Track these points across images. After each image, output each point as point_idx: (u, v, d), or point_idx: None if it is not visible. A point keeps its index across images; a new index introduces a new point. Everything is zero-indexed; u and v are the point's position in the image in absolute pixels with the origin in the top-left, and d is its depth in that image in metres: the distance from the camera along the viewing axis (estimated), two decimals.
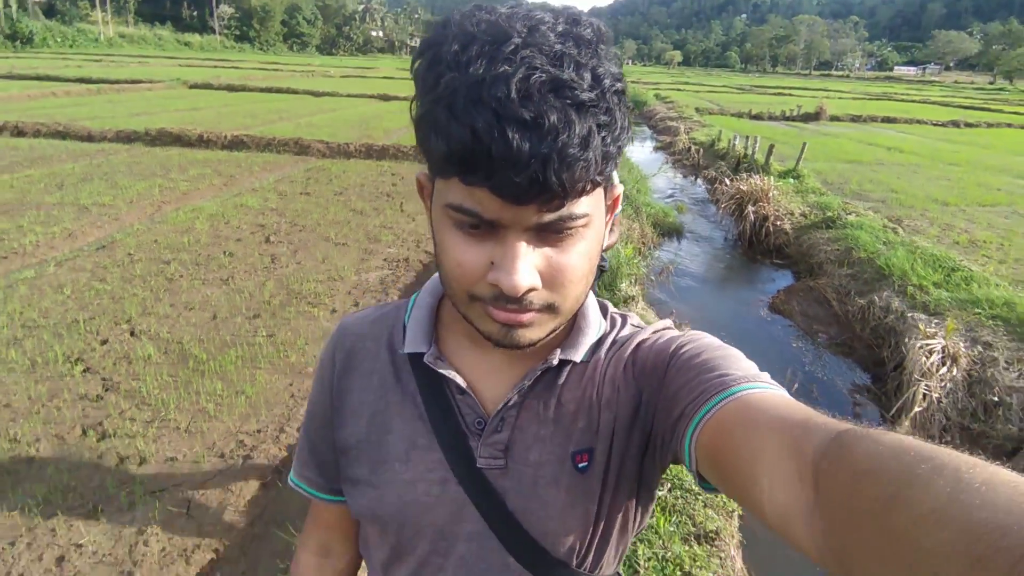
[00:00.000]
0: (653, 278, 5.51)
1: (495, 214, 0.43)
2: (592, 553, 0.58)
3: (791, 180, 8.28)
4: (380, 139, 10.87)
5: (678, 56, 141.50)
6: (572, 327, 0.58)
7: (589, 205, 0.46)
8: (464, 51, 0.42)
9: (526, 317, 0.47)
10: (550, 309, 0.48)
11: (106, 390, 3.03)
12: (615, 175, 0.55)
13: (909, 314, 3.80)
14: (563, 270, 0.47)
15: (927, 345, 3.38)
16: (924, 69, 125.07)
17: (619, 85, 0.44)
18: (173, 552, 2.14)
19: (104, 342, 3.49)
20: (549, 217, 0.44)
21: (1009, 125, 21.38)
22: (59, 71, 24.15)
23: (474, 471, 0.56)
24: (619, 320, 0.62)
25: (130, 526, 2.22)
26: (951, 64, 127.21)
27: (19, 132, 10.93)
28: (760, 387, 0.46)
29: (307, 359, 3.45)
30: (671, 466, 0.58)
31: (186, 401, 2.97)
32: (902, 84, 68.01)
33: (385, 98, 19.92)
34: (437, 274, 0.57)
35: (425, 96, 0.44)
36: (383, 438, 0.59)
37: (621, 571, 0.67)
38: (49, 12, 71.14)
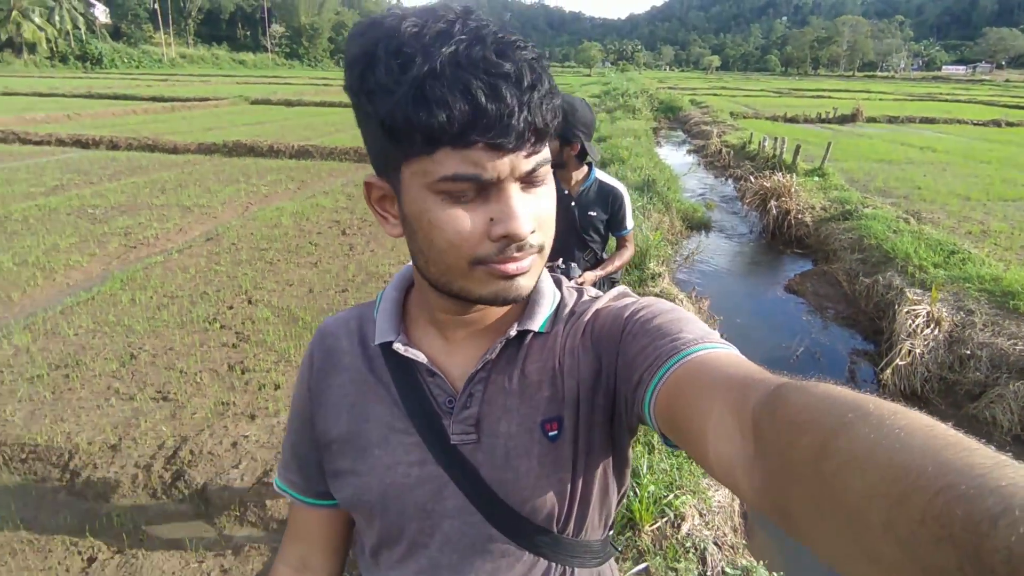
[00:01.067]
0: (679, 261, 6.17)
1: (492, 171, 0.47)
2: (573, 519, 0.60)
3: (816, 178, 8.76)
4: None
5: (716, 61, 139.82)
6: (527, 300, 0.60)
7: (546, 152, 0.51)
8: (420, 36, 0.45)
9: (527, 261, 0.51)
10: (540, 251, 0.52)
11: (240, 341, 3.91)
12: None
13: (906, 288, 4.36)
14: (544, 212, 0.51)
15: (913, 310, 3.96)
16: (975, 68, 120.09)
17: (545, 62, 0.49)
18: None
19: (230, 307, 4.40)
20: (530, 164, 0.48)
21: None
22: (133, 91, 26.23)
23: (449, 448, 0.58)
24: (575, 292, 0.65)
25: (278, 426, 3.05)
26: (1003, 63, 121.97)
27: (113, 146, 12.34)
28: (710, 347, 0.48)
29: None
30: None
31: (301, 349, 3.82)
32: (949, 84, 65.80)
33: None
34: (402, 269, 0.64)
35: (393, 87, 0.45)
36: (362, 427, 0.61)
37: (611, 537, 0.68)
38: (115, 34, 76.00)
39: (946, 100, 33.96)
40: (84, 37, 63.28)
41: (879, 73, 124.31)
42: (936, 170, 10.89)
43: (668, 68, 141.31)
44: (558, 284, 0.65)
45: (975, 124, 20.59)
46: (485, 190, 0.48)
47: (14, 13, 55.74)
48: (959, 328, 3.90)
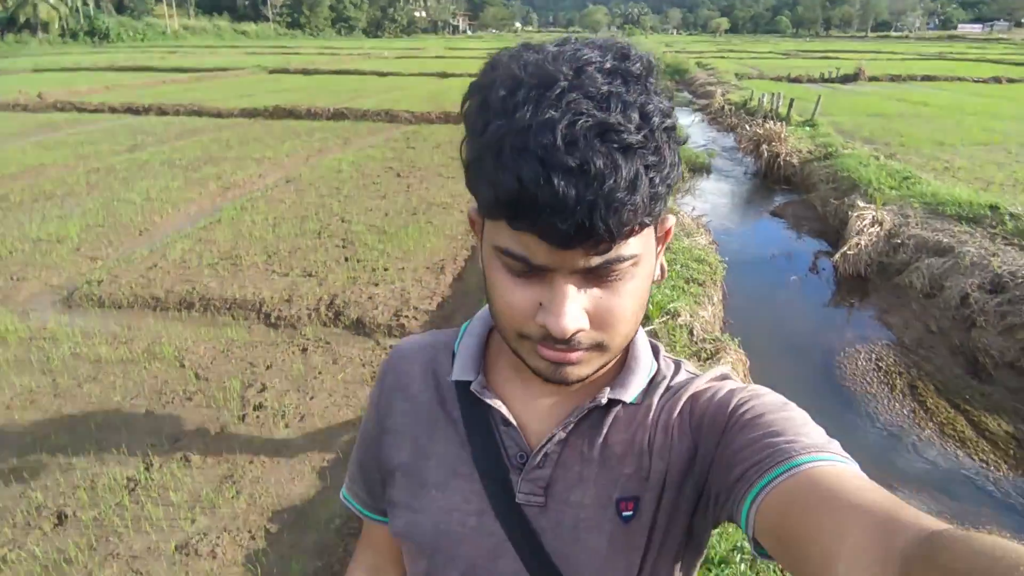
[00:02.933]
0: (682, 192, 7.33)
1: (543, 259, 0.44)
2: None
3: (807, 128, 9.79)
4: (452, 109, 12.85)
5: (725, 23, 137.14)
6: (622, 366, 0.57)
7: (638, 245, 0.46)
8: (511, 96, 0.42)
9: (575, 356, 0.48)
10: (599, 348, 0.49)
11: (346, 244, 5.13)
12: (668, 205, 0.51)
13: (859, 200, 5.51)
14: (611, 311, 0.47)
15: (862, 214, 5.12)
16: (992, 26, 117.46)
17: (668, 121, 0.43)
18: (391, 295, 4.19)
19: (328, 224, 5.62)
20: (597, 261, 0.44)
21: None
22: (154, 63, 27.15)
23: (512, 506, 0.55)
24: (672, 365, 0.60)
25: (396, 288, 4.26)
26: (1022, 19, 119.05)
27: (162, 112, 13.44)
28: (830, 459, 0.44)
29: (452, 236, 5.45)
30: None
31: (395, 249, 5.03)
32: (963, 43, 64.96)
33: (444, 75, 21.84)
34: (487, 305, 0.57)
35: (474, 141, 0.45)
36: (423, 463, 0.59)
37: None
38: (119, 8, 76.07)
39: (955, 59, 34.09)
40: (92, 13, 63.62)
41: (893, 33, 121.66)
42: (922, 121, 11.85)
43: (675, 31, 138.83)
44: (655, 352, 0.60)
45: (975, 81, 21.18)
46: (541, 270, 0.45)
47: None
48: (896, 226, 5.07)
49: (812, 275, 5.32)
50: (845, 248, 4.94)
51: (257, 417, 2.90)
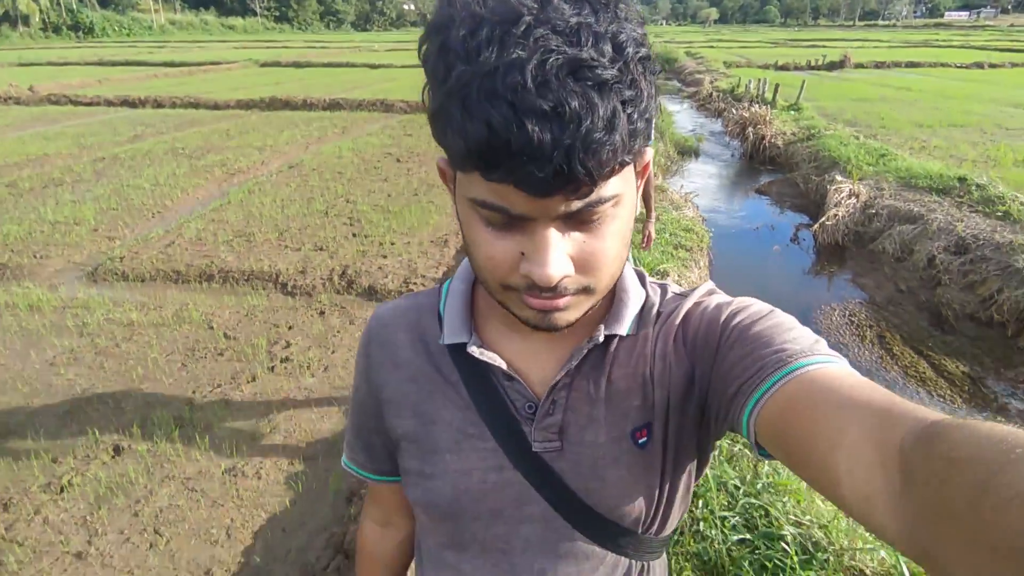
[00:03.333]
0: (673, 171, 7.62)
1: (522, 208, 0.42)
2: (658, 519, 0.59)
3: (791, 112, 10.10)
4: None
5: (714, 13, 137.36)
6: (613, 300, 0.57)
7: (618, 185, 0.44)
8: (472, 36, 0.39)
9: (562, 302, 0.47)
10: (586, 291, 0.48)
11: (352, 222, 5.39)
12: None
13: (837, 175, 5.83)
14: (595, 254, 0.46)
15: (840, 187, 5.43)
16: (979, 13, 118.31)
17: (643, 51, 0.41)
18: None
19: (334, 205, 5.87)
20: (577, 205, 0.42)
21: None
22: (143, 57, 27.10)
23: (530, 455, 0.56)
24: (658, 289, 0.60)
25: (405, 259, 4.53)
26: (1009, 6, 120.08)
27: (158, 104, 13.58)
28: (823, 360, 0.45)
29: (454, 214, 5.73)
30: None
31: (400, 225, 5.30)
32: (949, 31, 65.64)
33: None
34: (467, 259, 0.57)
35: (437, 88, 0.41)
36: (430, 429, 0.59)
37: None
38: (103, 3, 75.32)
39: (940, 47, 34.58)
40: (75, 7, 62.92)
41: (880, 21, 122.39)
42: (904, 105, 12.20)
43: (664, 22, 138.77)
44: (642, 279, 0.61)
45: (958, 67, 21.64)
46: (520, 219, 0.43)
47: None
48: (872, 198, 5.39)
49: (793, 244, 5.65)
50: (824, 219, 5.26)
51: (285, 368, 3.17)
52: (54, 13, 59.76)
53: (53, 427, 2.70)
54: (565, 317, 0.48)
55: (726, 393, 0.49)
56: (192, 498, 2.31)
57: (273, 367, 3.17)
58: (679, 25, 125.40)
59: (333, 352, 3.33)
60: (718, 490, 1.91)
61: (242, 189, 6.43)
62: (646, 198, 2.58)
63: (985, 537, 0.27)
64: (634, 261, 3.21)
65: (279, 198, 6.08)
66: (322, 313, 3.79)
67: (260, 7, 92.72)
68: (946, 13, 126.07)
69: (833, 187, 5.49)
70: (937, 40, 41.40)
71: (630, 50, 0.40)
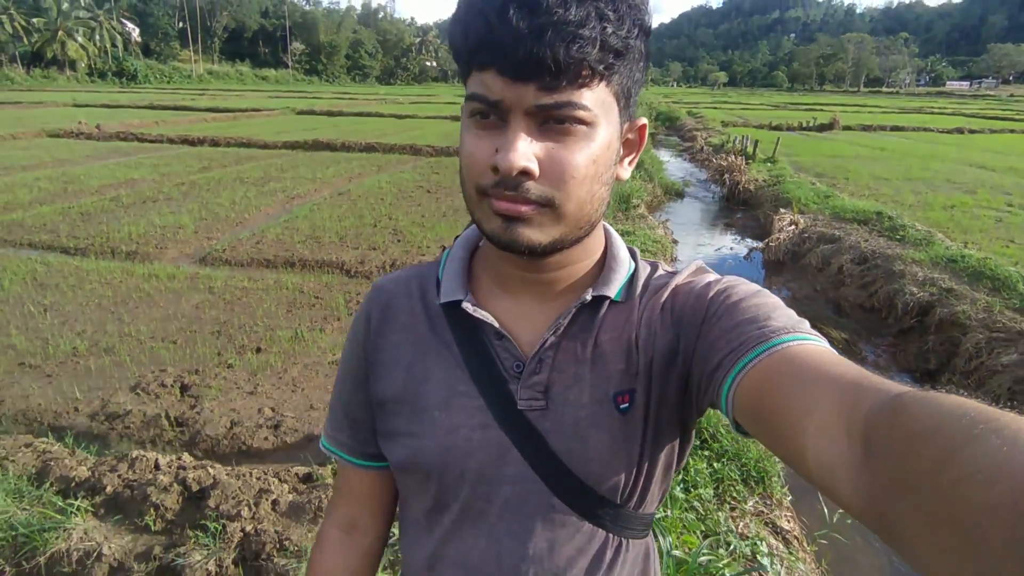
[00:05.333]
0: (659, 210, 9.11)
1: (498, 94, 0.47)
2: (637, 492, 0.59)
3: (767, 164, 11.65)
4: None
5: (723, 77, 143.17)
6: (603, 266, 0.60)
7: (592, 101, 0.48)
8: None
9: (525, 208, 0.49)
10: (550, 205, 0.49)
11: (395, 232, 6.84)
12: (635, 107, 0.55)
13: (782, 209, 7.26)
14: (561, 163, 0.48)
15: (783, 218, 6.83)
16: (980, 83, 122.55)
17: None
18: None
19: (379, 220, 7.34)
20: (547, 100, 0.46)
21: (1012, 131, 23.66)
22: (187, 102, 29.68)
23: (515, 413, 0.57)
24: (648, 265, 0.63)
25: (419, 251, 5.95)
26: (1010, 77, 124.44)
27: (215, 143, 15.46)
28: (802, 338, 0.46)
29: None
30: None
31: (435, 236, 6.73)
32: (949, 100, 68.46)
33: (456, 119, 24.06)
34: (467, 230, 0.64)
35: (456, 12, 0.50)
36: (421, 387, 0.61)
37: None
38: (146, 52, 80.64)
39: (932, 113, 36.54)
40: (121, 55, 67.73)
41: (884, 88, 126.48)
42: (873, 162, 13.72)
43: (676, 84, 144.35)
44: (632, 253, 0.63)
45: (939, 131, 23.32)
46: (500, 115, 0.48)
47: (60, 33, 60.13)
48: (807, 226, 6.79)
49: (745, 261, 7.03)
50: (769, 240, 6.65)
51: None
52: (100, 60, 64.51)
53: (210, 339, 4.06)
54: (528, 233, 0.50)
55: (708, 365, 0.51)
56: (308, 374, 3.64)
57: (350, 314, 4.54)
58: (689, 87, 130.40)
59: None
60: None
61: (303, 208, 7.96)
62: None
63: (944, 511, 0.27)
64: None
65: (335, 215, 7.58)
66: None
67: (292, 60, 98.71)
68: (948, 83, 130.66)
69: (777, 217, 6.89)
70: (932, 107, 43.45)
71: None
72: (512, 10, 0.44)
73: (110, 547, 2.01)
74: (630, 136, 0.55)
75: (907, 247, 5.68)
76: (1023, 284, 4.40)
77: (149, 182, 9.72)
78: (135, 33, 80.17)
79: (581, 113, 0.47)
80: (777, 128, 23.46)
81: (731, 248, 7.48)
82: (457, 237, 0.67)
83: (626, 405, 0.57)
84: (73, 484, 2.30)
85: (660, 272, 0.62)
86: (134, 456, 2.39)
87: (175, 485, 2.26)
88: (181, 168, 11.18)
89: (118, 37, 69.02)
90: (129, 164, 11.50)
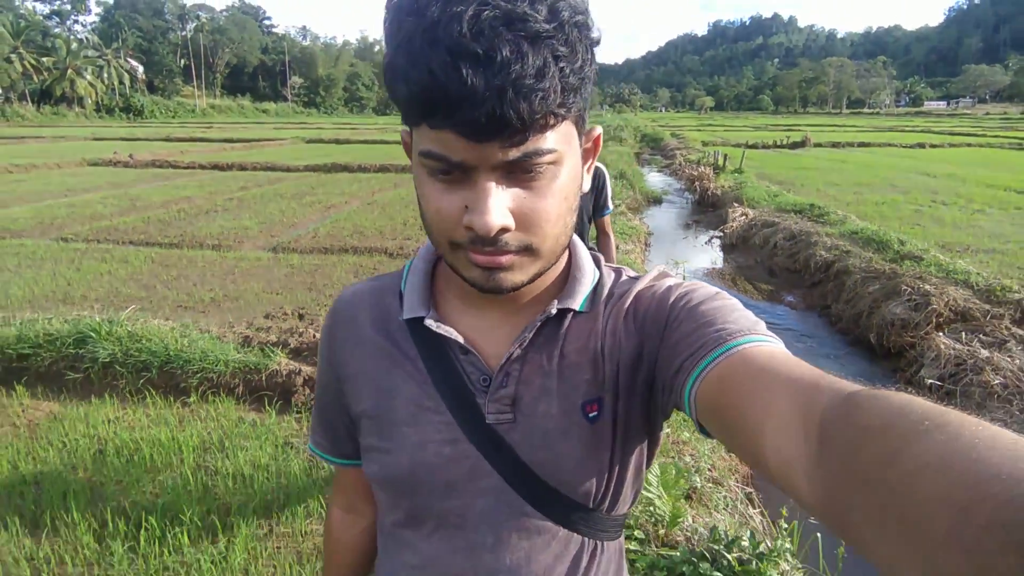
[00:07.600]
0: (640, 213, 10.78)
1: (461, 155, 0.45)
2: (610, 495, 0.60)
3: (735, 174, 13.39)
4: None
5: (709, 101, 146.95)
6: (567, 277, 0.60)
7: (556, 140, 0.47)
8: None
9: (505, 259, 0.49)
10: (528, 251, 0.50)
11: (423, 229, 8.41)
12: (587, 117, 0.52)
13: (735, 204, 8.92)
14: (536, 210, 0.48)
15: (735, 211, 8.47)
16: (958, 103, 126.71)
17: (579, 17, 0.44)
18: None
19: (407, 221, 8.93)
20: (514, 154, 0.45)
21: (968, 145, 25.62)
22: (199, 134, 31.54)
23: (484, 427, 0.58)
24: (612, 272, 0.64)
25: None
26: (987, 97, 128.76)
27: (242, 168, 17.12)
28: (759, 340, 0.47)
29: None
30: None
31: None
32: (925, 119, 71.17)
33: None
34: (428, 242, 0.60)
35: (390, 46, 0.45)
36: (389, 403, 0.61)
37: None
38: (150, 88, 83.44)
39: (905, 131, 38.40)
40: (128, 92, 70.16)
41: (866, 110, 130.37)
42: (830, 172, 15.44)
43: (663, 109, 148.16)
44: (596, 262, 0.64)
45: (902, 147, 25.10)
46: (464, 172, 0.46)
47: (69, 72, 62.54)
48: (755, 217, 8.43)
49: (707, 245, 8.65)
50: (724, 228, 8.28)
51: None
52: (107, 96, 66.91)
53: (304, 292, 5.59)
54: (510, 278, 0.51)
55: (671, 369, 0.52)
56: None
57: None
58: (677, 112, 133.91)
59: None
60: None
61: (341, 214, 9.55)
62: (606, 250, 2.61)
63: (894, 505, 0.28)
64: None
65: (370, 217, 9.18)
66: None
67: (291, 93, 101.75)
68: (926, 103, 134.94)
69: (731, 210, 8.54)
70: (908, 126, 45.62)
71: (566, 13, 0.43)
72: (464, 68, 0.41)
73: (302, 369, 3.54)
74: (587, 147, 0.55)
75: (825, 226, 7.30)
76: (896, 244, 6.00)
77: (202, 198, 11.32)
78: (140, 71, 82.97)
79: (548, 157, 0.47)
80: (753, 146, 25.19)
81: (696, 235, 9.12)
82: (420, 247, 0.67)
83: (595, 414, 0.58)
84: (268, 344, 3.82)
85: (623, 278, 0.63)
86: (301, 330, 3.91)
87: None
88: (223, 188, 12.79)
89: (125, 75, 71.45)
90: (176, 186, 13.11)
